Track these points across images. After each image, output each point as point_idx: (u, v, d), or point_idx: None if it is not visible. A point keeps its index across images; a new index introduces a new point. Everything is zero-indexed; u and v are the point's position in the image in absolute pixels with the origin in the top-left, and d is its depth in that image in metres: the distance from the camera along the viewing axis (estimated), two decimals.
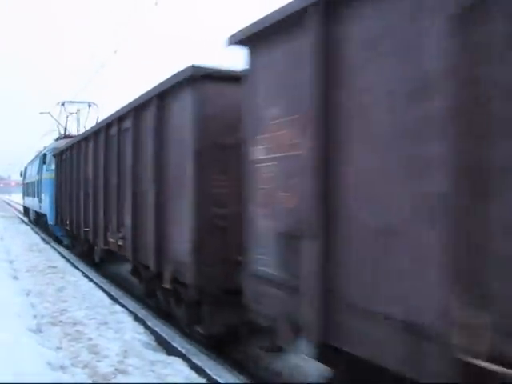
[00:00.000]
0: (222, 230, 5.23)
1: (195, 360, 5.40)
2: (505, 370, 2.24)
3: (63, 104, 23.69)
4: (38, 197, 22.13)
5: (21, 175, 35.61)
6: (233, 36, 4.49)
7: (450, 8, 2.52)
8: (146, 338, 6.35)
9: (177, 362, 5.40)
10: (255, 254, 4.31)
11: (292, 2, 3.68)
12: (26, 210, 30.48)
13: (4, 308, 6.78)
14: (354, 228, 3.24)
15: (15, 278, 10.23)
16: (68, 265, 12.47)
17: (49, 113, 27.74)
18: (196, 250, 5.47)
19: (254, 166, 4.33)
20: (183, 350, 5.74)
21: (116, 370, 5.15)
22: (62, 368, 5.02)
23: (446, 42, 2.55)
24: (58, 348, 5.80)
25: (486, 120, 2.43)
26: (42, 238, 18.86)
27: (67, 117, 23.53)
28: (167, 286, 6.23)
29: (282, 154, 3.94)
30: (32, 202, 25.33)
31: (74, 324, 6.89)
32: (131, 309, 7.69)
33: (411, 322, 2.74)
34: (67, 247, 15.61)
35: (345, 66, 3.31)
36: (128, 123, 7.93)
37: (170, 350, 5.88)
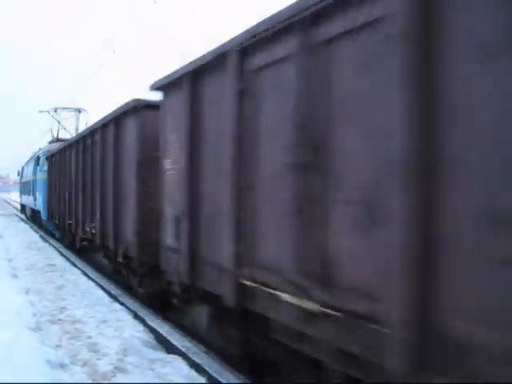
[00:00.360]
0: (155, 219, 6.57)
1: (195, 358, 5.38)
2: (254, 284, 4.22)
3: (56, 110, 26.14)
4: (33, 195, 23.85)
5: (18, 174, 37.35)
6: (152, 85, 6.44)
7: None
8: (145, 336, 6.34)
9: (176, 361, 5.39)
10: (165, 232, 6.23)
11: (177, 70, 5.70)
12: (23, 208, 32.19)
13: (3, 306, 6.77)
14: (204, 213, 5.29)
15: (14, 276, 10.22)
16: (67, 263, 12.47)
17: (48, 111, 27.93)
18: (138, 234, 7.51)
19: (165, 173, 6.22)
20: (183, 349, 5.73)
21: (115, 368, 5.14)
22: (62, 366, 5.02)
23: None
24: (58, 346, 5.80)
25: None
26: (41, 237, 18.85)
27: (59, 122, 25.87)
28: (120, 259, 8.58)
29: (176, 166, 5.84)
30: (28, 200, 27.14)
31: (74, 322, 6.89)
32: (131, 307, 7.68)
33: (219, 264, 4.79)
34: (58, 239, 17.14)
35: (202, 115, 5.30)
36: (98, 137, 10.10)
37: (170, 349, 5.88)
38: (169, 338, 6.15)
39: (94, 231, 10.31)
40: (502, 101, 2.26)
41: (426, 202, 2.57)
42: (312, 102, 3.46)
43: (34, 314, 7.02)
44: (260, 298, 4.16)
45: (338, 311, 3.24)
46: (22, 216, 31.53)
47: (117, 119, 8.56)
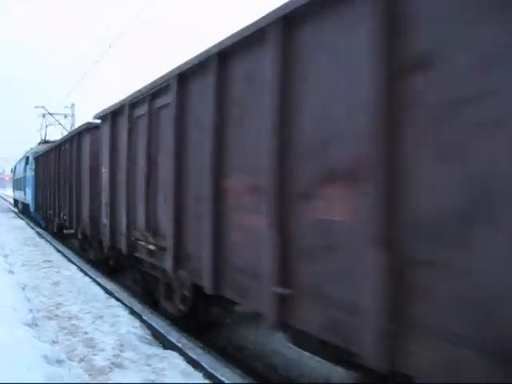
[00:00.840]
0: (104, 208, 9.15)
1: (191, 354, 5.40)
2: (134, 239, 7.42)
3: (44, 116, 30.03)
4: (23, 190, 26.98)
5: (11, 172, 41.16)
6: (95, 115, 9.27)
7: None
8: (141, 331, 6.36)
9: (173, 356, 5.41)
10: (101, 214, 9.21)
11: (104, 110, 8.71)
12: (16, 202, 34.82)
13: None
14: (118, 201, 8.22)
15: (10, 272, 10.21)
16: (63, 259, 12.46)
17: (43, 107, 28.08)
18: (90, 217, 10.59)
19: (101, 175, 9.07)
20: (179, 344, 5.75)
21: (112, 363, 5.15)
22: (58, 362, 5.01)
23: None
24: (54, 342, 5.81)
25: None
26: (37, 233, 18.82)
27: (46, 126, 29.65)
28: (80, 236, 12.37)
29: (106, 171, 8.66)
30: (19, 195, 30.49)
31: (70, 318, 6.90)
32: (127, 303, 7.69)
33: (120, 231, 7.94)
34: (44, 228, 19.66)
35: (118, 139, 8.19)
36: (68, 145, 13.43)
37: (166, 344, 5.90)
38: (165, 333, 6.17)
39: (65, 217, 13.81)
40: None
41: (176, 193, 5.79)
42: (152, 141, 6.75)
43: (31, 310, 7.01)
44: (137, 247, 7.28)
45: (158, 248, 6.48)
46: (17, 211, 31.51)
47: (79, 134, 11.83)
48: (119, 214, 7.99)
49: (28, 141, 37.97)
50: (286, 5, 3.63)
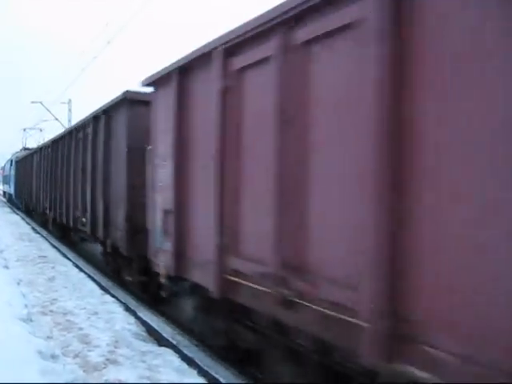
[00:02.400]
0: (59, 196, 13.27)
1: (186, 351, 5.42)
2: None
3: (25, 129, 42.70)
4: (8, 184, 36.82)
5: (1, 169, 50.23)
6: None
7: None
8: (136, 328, 6.36)
9: (167, 353, 5.42)
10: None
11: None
12: (4, 194, 45.12)
13: None
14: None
15: (6, 267, 10.20)
16: (58, 254, 12.46)
17: (40, 102, 28.08)
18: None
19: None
20: (174, 341, 5.76)
21: (107, 359, 5.15)
22: (53, 357, 5.02)
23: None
24: (49, 337, 5.81)
25: None
26: (33, 228, 18.81)
27: (26, 138, 41.71)
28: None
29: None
30: (6, 188, 40.91)
31: (65, 314, 6.89)
32: (122, 299, 7.70)
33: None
34: (24, 212, 26.03)
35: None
36: (38, 156, 19.28)
37: (161, 341, 5.91)
38: (160, 330, 6.18)
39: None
40: None
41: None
42: None
43: (26, 305, 7.01)
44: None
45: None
46: (14, 208, 31.56)
47: (56, 142, 15.01)
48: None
49: (22, 138, 40.49)
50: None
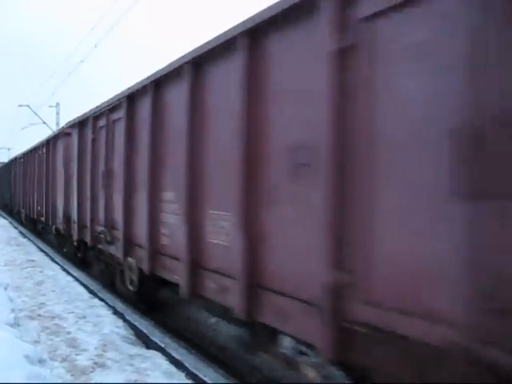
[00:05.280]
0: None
1: (174, 354, 5.42)
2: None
3: (9, 149, 44.78)
4: None
5: None
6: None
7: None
8: (124, 331, 6.35)
9: (156, 356, 5.41)
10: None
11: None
12: None
13: None
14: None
15: None
16: (46, 259, 12.39)
17: (27, 106, 27.89)
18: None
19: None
20: (162, 344, 5.76)
21: (95, 363, 5.15)
22: (41, 361, 5.00)
23: None
24: (36, 342, 5.78)
25: None
26: (21, 232, 18.68)
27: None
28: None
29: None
30: None
31: (53, 318, 6.86)
32: (110, 303, 7.68)
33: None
34: (9, 214, 27.44)
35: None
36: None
37: (149, 344, 5.90)
38: (148, 333, 6.18)
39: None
40: None
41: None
42: None
43: (13, 310, 6.96)
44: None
45: None
46: (2, 213, 31.39)
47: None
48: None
49: (8, 140, 40.04)
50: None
